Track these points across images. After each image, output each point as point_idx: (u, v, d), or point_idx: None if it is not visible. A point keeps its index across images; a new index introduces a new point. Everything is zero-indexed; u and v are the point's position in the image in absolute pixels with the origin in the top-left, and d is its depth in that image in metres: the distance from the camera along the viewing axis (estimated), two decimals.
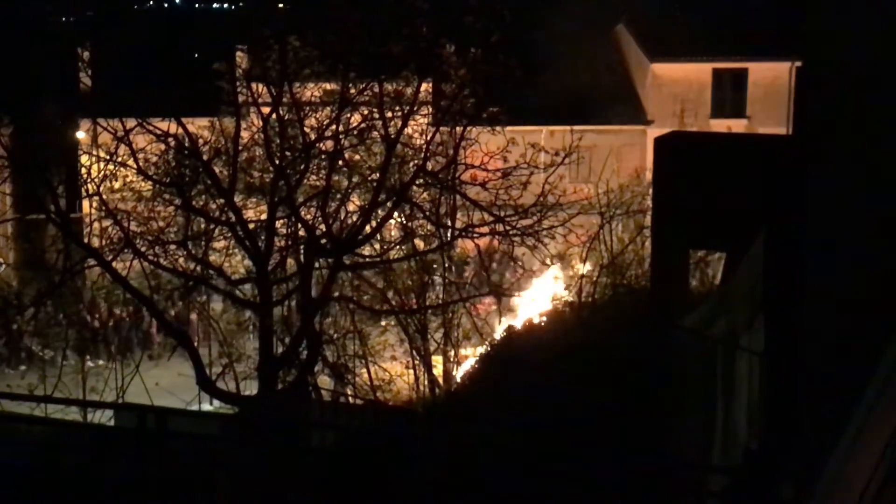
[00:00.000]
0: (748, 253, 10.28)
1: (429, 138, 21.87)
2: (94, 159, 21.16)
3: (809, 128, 8.82)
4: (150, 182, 21.00)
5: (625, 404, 12.78)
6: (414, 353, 23.40)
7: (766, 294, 10.00)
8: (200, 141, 20.91)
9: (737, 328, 10.52)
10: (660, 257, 12.08)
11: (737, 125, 40.23)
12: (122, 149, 20.40)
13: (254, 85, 21.27)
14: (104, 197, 20.83)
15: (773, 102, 39.42)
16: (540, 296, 25.29)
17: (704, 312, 11.12)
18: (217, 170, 20.77)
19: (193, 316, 28.92)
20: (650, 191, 16.75)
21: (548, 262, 24.98)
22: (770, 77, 40.08)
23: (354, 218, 21.37)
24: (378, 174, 21.14)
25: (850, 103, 8.21)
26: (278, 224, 21.03)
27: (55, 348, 25.66)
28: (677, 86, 40.93)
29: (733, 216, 10.75)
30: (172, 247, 20.84)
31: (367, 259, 21.93)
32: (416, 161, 21.97)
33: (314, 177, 21.50)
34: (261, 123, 20.76)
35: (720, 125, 39.84)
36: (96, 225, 22.66)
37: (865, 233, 8.12)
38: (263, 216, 21.09)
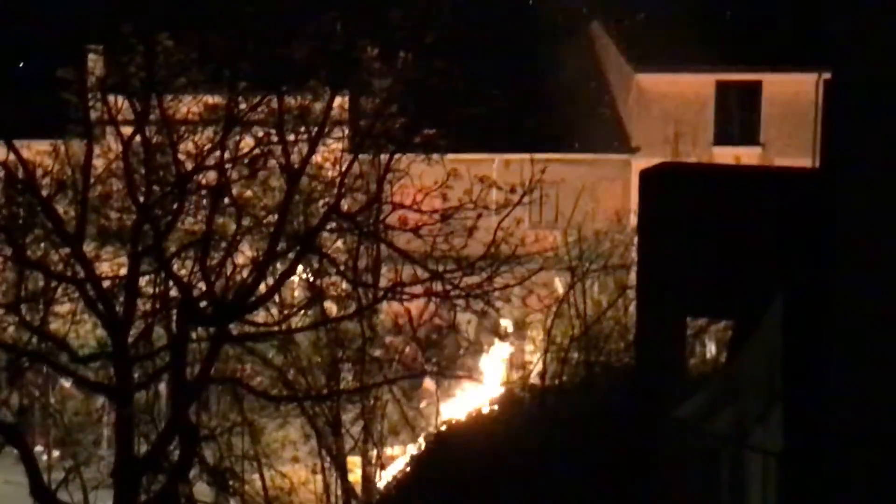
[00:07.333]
0: (762, 323, 10.33)
1: (344, 169, 21.88)
2: None
3: (841, 159, 8.85)
4: None
5: None
6: (323, 452, 23.29)
7: (786, 378, 10.04)
8: (39, 171, 20.80)
9: (747, 421, 10.56)
10: (648, 327, 12.08)
11: (748, 155, 40.65)
12: None
13: (111, 98, 21.18)
14: None
15: (795, 125, 39.90)
16: (490, 377, 25.31)
17: (706, 400, 11.16)
18: (61, 209, 20.66)
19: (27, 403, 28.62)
20: (635, 240, 16.82)
21: (501, 332, 25.00)
22: (790, 93, 40.62)
23: (245, 273, 21.28)
24: (276, 216, 21.10)
25: (894, 126, 8.27)
26: (142, 281, 20.93)
27: None
28: (670, 103, 41.34)
29: (743, 274, 10.81)
30: (0, 311, 20.61)
31: (262, 328, 21.85)
32: (327, 199, 21.95)
33: (191, 219, 21.43)
34: (120, 148, 20.67)
35: (726, 154, 40.25)
36: None
37: None
38: (123, 271, 20.95)
